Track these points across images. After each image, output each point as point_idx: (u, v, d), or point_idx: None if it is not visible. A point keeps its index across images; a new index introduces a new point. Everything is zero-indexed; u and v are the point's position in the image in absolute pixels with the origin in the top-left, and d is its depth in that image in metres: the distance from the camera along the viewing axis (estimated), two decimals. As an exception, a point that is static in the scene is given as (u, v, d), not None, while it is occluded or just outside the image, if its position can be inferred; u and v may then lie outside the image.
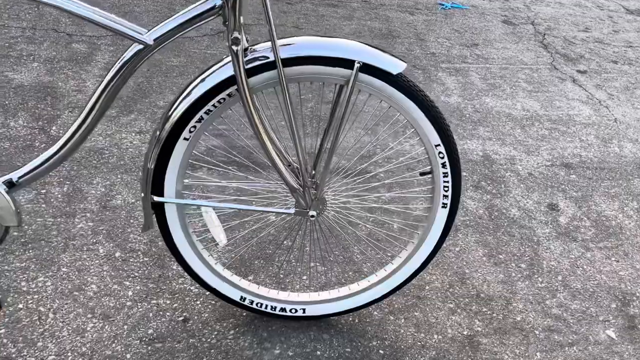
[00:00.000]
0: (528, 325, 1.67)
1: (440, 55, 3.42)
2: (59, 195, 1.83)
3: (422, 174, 1.40)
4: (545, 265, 1.91)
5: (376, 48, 1.24)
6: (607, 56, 3.85)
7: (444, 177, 1.36)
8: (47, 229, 1.70)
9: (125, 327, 1.45)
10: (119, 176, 1.96)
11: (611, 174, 2.48)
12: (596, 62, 3.70)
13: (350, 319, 1.59)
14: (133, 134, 2.19)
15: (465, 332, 1.61)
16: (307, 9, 3.82)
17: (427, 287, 1.74)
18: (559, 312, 1.73)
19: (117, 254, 1.66)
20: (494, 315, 1.69)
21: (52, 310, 1.46)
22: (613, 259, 1.99)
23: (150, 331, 1.45)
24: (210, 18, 1.17)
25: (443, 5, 4.36)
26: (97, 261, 1.62)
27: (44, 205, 1.78)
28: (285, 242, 1.79)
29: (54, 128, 2.14)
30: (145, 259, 1.66)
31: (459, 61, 3.39)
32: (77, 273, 1.58)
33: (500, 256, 1.92)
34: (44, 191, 1.84)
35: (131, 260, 1.65)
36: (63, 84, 2.44)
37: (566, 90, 3.22)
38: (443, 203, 1.39)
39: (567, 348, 1.61)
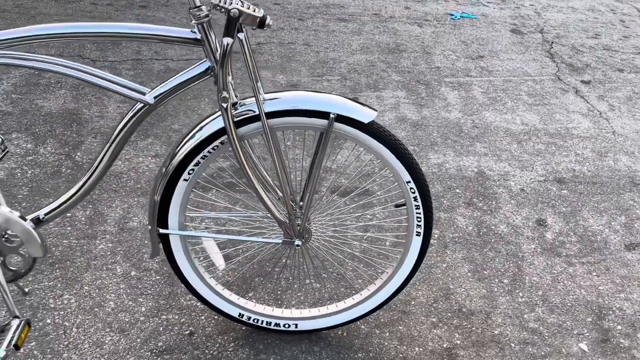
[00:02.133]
0: (505, 338, 1.81)
1: (445, 69, 3.54)
2: (83, 219, 2.05)
3: (397, 205, 1.56)
4: (527, 280, 2.05)
5: (350, 99, 1.41)
6: (613, 64, 3.91)
7: (416, 209, 1.51)
8: (72, 250, 1.92)
9: (139, 340, 1.66)
10: (135, 199, 2.16)
11: (603, 189, 2.58)
12: (601, 71, 3.77)
13: (340, 332, 1.77)
14: (149, 158, 2.40)
15: (445, 345, 1.77)
16: (317, 24, 3.98)
17: (412, 302, 1.90)
18: (536, 325, 1.87)
19: (133, 273, 1.86)
20: (474, 329, 1.83)
21: (75, 325, 1.67)
22: (594, 273, 2.11)
23: (160, 344, 1.65)
24: (204, 79, 1.34)
25: (453, 15, 4.46)
26: (115, 280, 1.83)
27: (69, 228, 2.00)
28: (284, 261, 1.97)
29: (78, 154, 2.37)
30: (157, 277, 1.86)
31: (462, 75, 3.50)
32: (97, 291, 1.79)
33: (485, 272, 2.06)
34: (69, 215, 2.06)
35: (145, 278, 1.85)
36: (87, 110, 2.67)
37: (567, 103, 3.31)
38: (417, 232, 1.55)
39: (539, 360, 1.76)
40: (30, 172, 2.24)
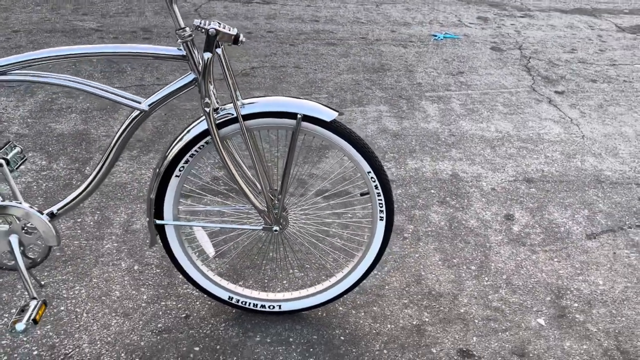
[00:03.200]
0: (470, 315, 2.01)
1: (426, 85, 3.80)
2: (91, 223, 2.29)
3: (361, 194, 1.79)
4: (493, 266, 2.25)
5: (314, 102, 1.65)
6: (587, 76, 4.15)
7: (378, 196, 1.74)
8: (82, 249, 2.16)
9: (141, 322, 1.88)
10: (138, 205, 2.41)
11: (569, 186, 2.80)
12: (575, 83, 4.01)
13: (320, 313, 1.98)
14: (151, 170, 2.65)
15: (414, 322, 1.97)
16: (308, 49, 4.28)
17: (386, 287, 2.11)
18: (499, 304, 2.07)
19: (136, 267, 2.10)
20: (441, 308, 2.04)
21: (85, 310, 1.90)
22: (556, 260, 2.31)
23: (159, 325, 1.87)
24: (190, 88, 1.60)
25: (436, 36, 4.75)
26: (120, 273, 2.06)
27: (79, 231, 2.24)
28: (271, 253, 2.20)
29: (87, 168, 2.63)
30: (157, 270, 2.09)
31: (442, 89, 3.76)
32: (104, 282, 2.02)
33: (454, 260, 2.27)
34: (79, 220, 2.30)
35: (147, 272, 2.08)
36: (95, 131, 2.94)
37: (540, 111, 3.54)
38: (380, 216, 1.78)
39: (500, 333, 1.95)
40: (44, 185, 2.50)
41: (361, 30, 4.81)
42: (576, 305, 2.09)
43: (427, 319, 1.98)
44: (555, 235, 2.45)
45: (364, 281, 2.09)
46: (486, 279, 2.19)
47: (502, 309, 2.05)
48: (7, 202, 1.64)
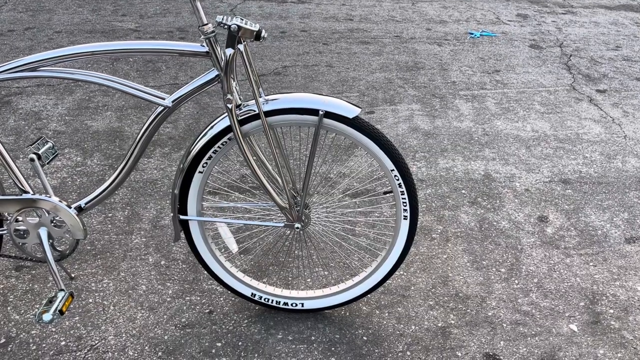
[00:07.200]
0: (497, 319, 1.96)
1: (460, 84, 3.72)
2: (122, 218, 2.34)
3: (385, 192, 1.76)
4: (524, 269, 2.18)
5: (336, 98, 1.63)
6: (632, 74, 3.99)
7: (401, 194, 1.71)
8: (112, 244, 2.20)
9: (165, 316, 1.90)
10: (167, 202, 2.44)
11: (608, 188, 2.69)
12: (619, 81, 3.86)
13: (342, 312, 1.95)
14: (181, 167, 2.69)
15: (439, 324, 1.93)
16: (341, 48, 4.26)
17: (412, 288, 2.07)
18: (529, 309, 2.00)
19: (162, 262, 2.12)
20: (468, 310, 1.98)
21: (112, 303, 1.94)
22: (591, 264, 2.22)
23: (183, 320, 1.89)
24: (212, 84, 1.60)
25: (472, 34, 4.65)
26: (147, 268, 2.10)
27: (110, 226, 2.29)
28: (295, 251, 2.19)
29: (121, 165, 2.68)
30: (183, 266, 2.11)
31: (477, 88, 3.67)
32: (132, 277, 2.05)
33: (484, 262, 2.21)
34: (110, 215, 2.35)
35: (173, 267, 2.11)
36: (129, 128, 3.00)
37: (580, 110, 3.42)
38: (404, 215, 1.74)
39: (529, 338, 1.89)
40: (79, 180, 2.57)
41: (396, 28, 4.76)
42: (612, 311, 2.00)
43: (452, 322, 1.94)
44: (592, 239, 2.35)
45: (389, 281, 2.06)
46: (516, 282, 2.12)
47: (532, 313, 1.98)
48: (37, 196, 1.68)
